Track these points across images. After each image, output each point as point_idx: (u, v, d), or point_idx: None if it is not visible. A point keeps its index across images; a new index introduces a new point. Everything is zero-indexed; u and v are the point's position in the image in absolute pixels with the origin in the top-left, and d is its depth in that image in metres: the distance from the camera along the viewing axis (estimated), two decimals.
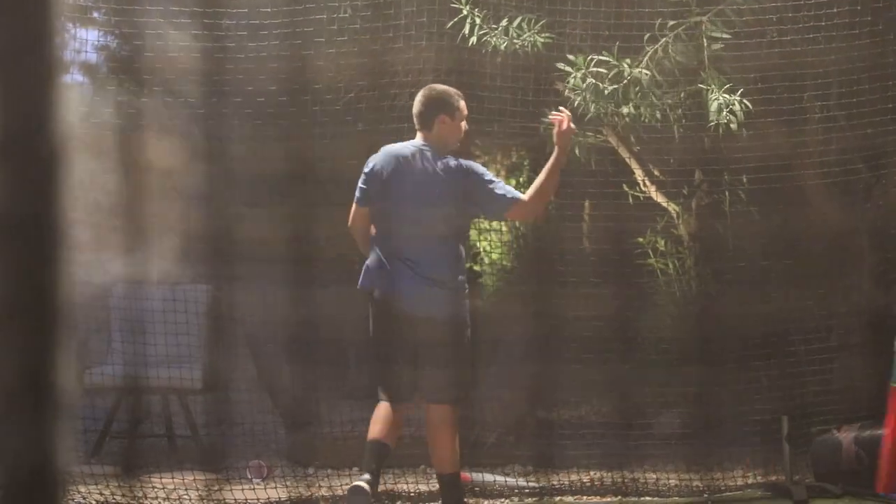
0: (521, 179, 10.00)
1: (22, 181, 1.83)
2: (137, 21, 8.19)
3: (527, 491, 7.85)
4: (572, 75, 7.90)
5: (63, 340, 1.84)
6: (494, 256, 9.75)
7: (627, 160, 8.61)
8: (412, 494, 7.76)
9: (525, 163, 9.85)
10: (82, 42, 8.33)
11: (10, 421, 1.82)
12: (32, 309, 1.83)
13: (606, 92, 7.91)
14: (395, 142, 6.93)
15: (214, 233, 8.32)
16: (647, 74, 7.87)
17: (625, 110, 7.97)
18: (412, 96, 8.62)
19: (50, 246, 1.84)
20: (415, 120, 6.94)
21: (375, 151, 6.90)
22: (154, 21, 8.08)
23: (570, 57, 7.94)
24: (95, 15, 8.73)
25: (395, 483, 7.88)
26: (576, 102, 7.96)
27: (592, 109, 7.95)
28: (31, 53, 1.83)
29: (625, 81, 7.87)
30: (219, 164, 8.38)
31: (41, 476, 1.81)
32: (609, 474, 7.99)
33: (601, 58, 7.88)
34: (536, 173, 9.61)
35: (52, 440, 1.83)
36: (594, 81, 7.90)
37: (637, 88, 7.89)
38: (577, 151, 8.16)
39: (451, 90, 6.94)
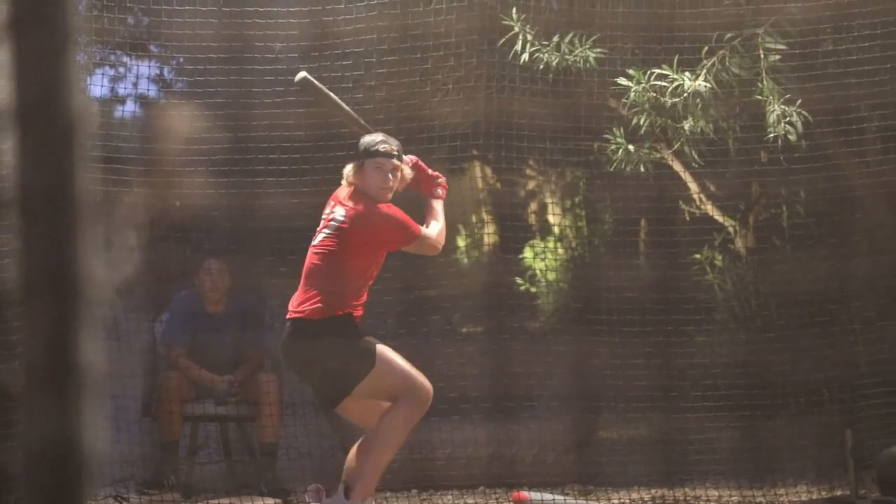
0: (576, 199, 9.93)
1: (39, 153, 1.79)
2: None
3: None
4: (632, 90, 7.83)
5: (86, 316, 1.80)
6: (550, 277, 9.69)
7: (682, 175, 8.54)
8: None
9: (580, 182, 9.79)
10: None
11: (33, 397, 1.79)
12: (54, 284, 1.79)
13: (668, 106, 7.84)
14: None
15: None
16: (706, 87, 7.79)
17: (686, 125, 7.89)
18: (464, 115, 8.62)
19: (70, 219, 1.80)
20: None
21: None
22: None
23: (630, 71, 7.87)
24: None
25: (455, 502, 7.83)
26: (633, 119, 7.91)
27: (651, 124, 7.88)
28: (45, 24, 1.80)
29: (685, 95, 7.79)
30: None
31: (66, 453, 1.77)
32: (671, 491, 7.91)
33: (661, 71, 7.80)
34: (591, 192, 9.60)
35: (75, 417, 1.79)
36: (655, 95, 7.83)
37: (697, 101, 7.81)
38: (629, 168, 8.08)
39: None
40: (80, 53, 1.80)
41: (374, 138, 6.32)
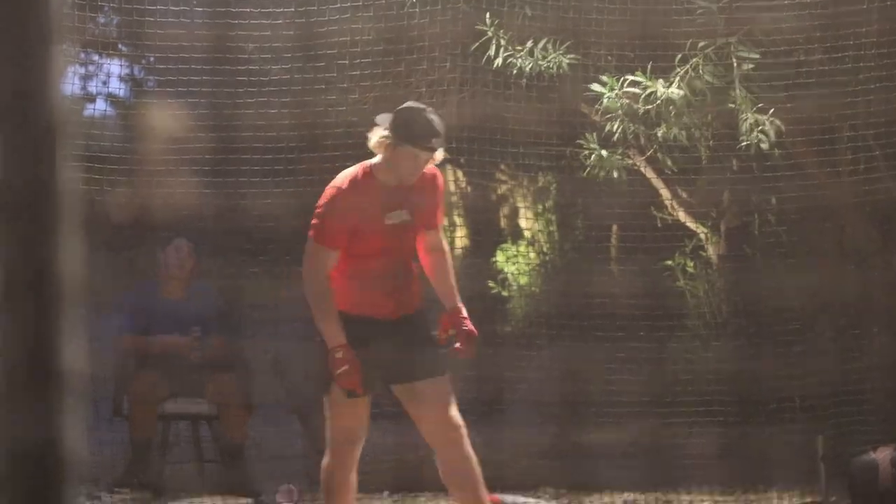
0: (546, 204, 9.89)
1: (19, 152, 1.75)
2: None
3: None
4: (605, 96, 7.82)
5: (68, 318, 1.76)
6: (522, 281, 9.65)
7: (655, 181, 8.52)
8: None
9: (552, 186, 9.75)
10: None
11: (14, 401, 1.75)
12: (36, 286, 1.74)
13: (640, 112, 7.83)
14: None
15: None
16: (680, 94, 7.78)
17: (659, 132, 7.89)
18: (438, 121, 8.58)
19: (52, 220, 1.75)
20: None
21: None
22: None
23: (603, 78, 7.86)
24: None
25: None
26: (606, 126, 7.90)
27: (624, 130, 7.86)
28: (25, 20, 1.75)
29: (658, 102, 7.78)
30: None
31: (45, 456, 1.73)
32: (642, 496, 7.90)
33: (634, 78, 7.79)
34: (563, 197, 9.57)
35: (57, 421, 1.75)
36: (628, 102, 7.83)
37: (671, 109, 7.81)
38: (602, 174, 8.06)
39: None
40: (61, 53, 1.75)
41: (423, 121, 5.52)
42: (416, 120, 5.57)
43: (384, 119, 5.62)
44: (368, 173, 5.64)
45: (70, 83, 8.16)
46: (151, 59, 9.15)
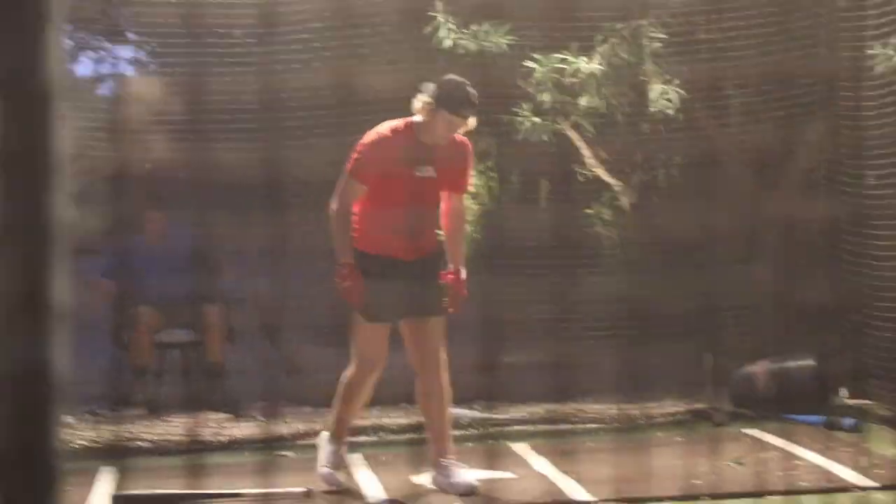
0: (488, 163, 9.92)
1: (17, 118, 1.77)
2: None
3: (490, 421, 7.85)
4: (538, 71, 7.87)
5: (58, 259, 1.78)
6: (467, 227, 9.68)
7: (578, 143, 8.57)
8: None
9: (492, 148, 9.77)
10: None
11: (9, 329, 1.77)
12: (29, 231, 1.77)
13: (567, 85, 7.90)
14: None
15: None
16: (600, 69, 7.84)
17: (582, 101, 7.94)
18: (394, 91, 8.58)
19: (44, 175, 1.78)
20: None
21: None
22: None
23: (536, 55, 7.92)
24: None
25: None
26: (538, 96, 7.95)
27: (553, 100, 7.91)
28: (25, 2, 1.76)
29: (582, 76, 7.83)
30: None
31: (37, 379, 1.75)
32: (561, 406, 7.99)
33: (562, 55, 7.86)
34: (502, 157, 9.59)
35: (46, 346, 1.77)
36: (556, 76, 7.88)
37: (592, 81, 7.86)
38: (534, 137, 8.11)
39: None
40: (57, 31, 1.78)
41: (461, 93, 5.52)
42: (455, 91, 5.57)
43: (428, 87, 5.58)
44: (409, 128, 5.60)
45: (65, 59, 8.09)
46: (137, 37, 9.06)
